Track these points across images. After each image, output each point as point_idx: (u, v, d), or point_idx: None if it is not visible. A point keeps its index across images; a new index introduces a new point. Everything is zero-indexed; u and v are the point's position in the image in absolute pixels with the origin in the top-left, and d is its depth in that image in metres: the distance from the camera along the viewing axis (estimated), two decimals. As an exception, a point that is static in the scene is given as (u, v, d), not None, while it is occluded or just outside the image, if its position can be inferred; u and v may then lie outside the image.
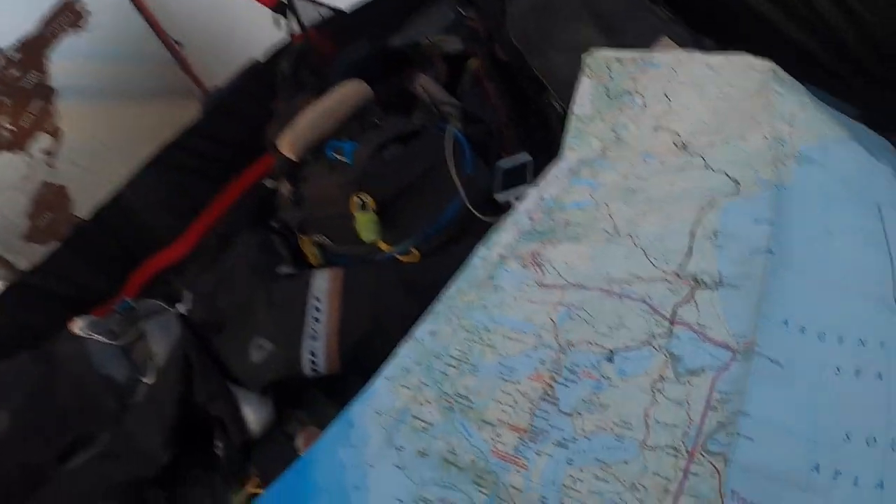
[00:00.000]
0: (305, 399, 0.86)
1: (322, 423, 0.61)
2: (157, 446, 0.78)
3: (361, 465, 0.56)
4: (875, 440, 0.46)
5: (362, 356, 0.77)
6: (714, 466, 0.46)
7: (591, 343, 0.55)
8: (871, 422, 0.46)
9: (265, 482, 0.75)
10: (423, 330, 0.65)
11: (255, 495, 0.74)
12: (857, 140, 0.62)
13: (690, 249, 0.57)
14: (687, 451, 0.47)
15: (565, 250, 0.64)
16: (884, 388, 0.47)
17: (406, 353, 0.64)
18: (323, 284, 0.85)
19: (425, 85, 1.11)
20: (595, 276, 0.60)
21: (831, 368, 0.48)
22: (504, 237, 0.71)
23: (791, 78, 0.66)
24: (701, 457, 0.47)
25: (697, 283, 0.55)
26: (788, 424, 0.46)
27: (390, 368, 0.63)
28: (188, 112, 1.21)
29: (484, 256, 0.70)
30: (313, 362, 0.80)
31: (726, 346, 0.51)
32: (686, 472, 0.47)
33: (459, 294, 0.66)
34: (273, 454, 0.80)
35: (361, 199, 0.85)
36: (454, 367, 0.59)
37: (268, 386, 0.83)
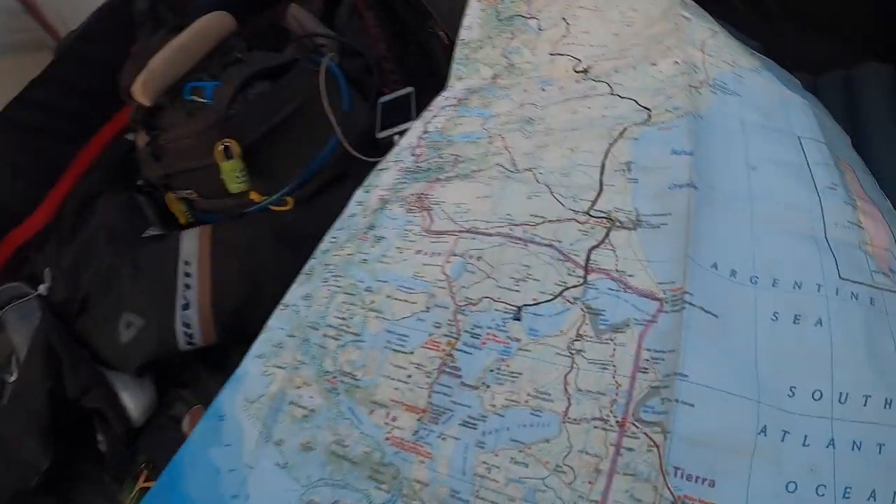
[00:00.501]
0: (188, 376, 0.75)
1: (209, 401, 0.50)
2: (33, 451, 0.66)
3: (238, 468, 0.45)
4: (821, 394, 0.40)
5: (242, 321, 0.67)
6: (650, 439, 0.39)
7: (493, 300, 0.46)
8: (814, 373, 0.41)
9: (155, 474, 0.63)
10: (295, 294, 0.55)
11: (146, 489, 0.63)
12: (769, 70, 0.57)
13: (601, 185, 0.49)
14: (617, 423, 0.40)
15: (456, 190, 0.54)
16: (825, 336, 0.42)
17: (277, 325, 0.53)
18: (192, 245, 0.75)
19: (297, 16, 1.00)
20: (493, 219, 0.51)
21: (768, 315, 0.42)
22: (385, 178, 0.61)
23: (696, 4, 0.60)
24: (634, 428, 0.39)
25: (612, 222, 0.47)
26: (729, 384, 0.40)
27: (260, 345, 0.52)
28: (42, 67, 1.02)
29: (362, 202, 0.60)
30: (188, 334, 0.70)
31: (651, 296, 0.43)
32: (618, 447, 0.39)
33: (335, 248, 0.55)
34: (160, 442, 0.69)
35: (225, 145, 0.75)
36: (334, 338, 0.49)
37: (144, 367, 0.72)
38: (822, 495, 0.38)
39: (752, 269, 0.44)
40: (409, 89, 0.85)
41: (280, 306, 0.55)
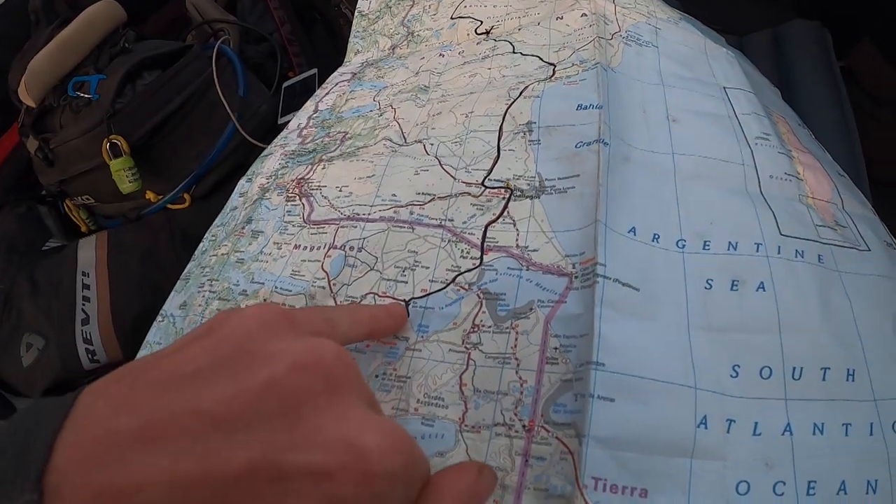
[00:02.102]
0: None
1: None
2: None
3: None
4: (770, 370, 0.33)
5: (146, 331, 0.60)
6: (563, 444, 0.31)
7: (378, 296, 0.39)
8: (760, 347, 0.34)
9: None
10: (172, 303, 0.48)
11: None
12: (689, 22, 0.51)
13: (499, 150, 0.42)
14: (524, 427, 0.32)
15: (338, 172, 0.47)
16: (770, 301, 0.35)
17: (154, 339, 0.46)
18: (89, 255, 0.71)
19: (195, 3, 0.95)
20: (376, 201, 0.43)
21: (700, 284, 0.35)
22: (267, 164, 0.53)
23: None
24: (545, 432, 0.32)
25: (511, 192, 0.40)
26: (657, 370, 0.32)
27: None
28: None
29: (245, 192, 0.52)
30: (90, 351, 0.65)
31: (558, 272, 0.36)
32: (527, 456, 0.32)
33: (213, 247, 0.48)
34: None
35: (112, 143, 0.70)
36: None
37: (51, 390, 0.67)
38: (782, 494, 0.31)
39: (677, 231, 0.37)
40: (313, 71, 0.80)
41: (158, 317, 0.48)
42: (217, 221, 0.53)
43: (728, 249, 0.37)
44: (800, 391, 0.33)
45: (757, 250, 0.36)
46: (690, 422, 0.31)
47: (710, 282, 0.35)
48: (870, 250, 0.39)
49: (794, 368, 0.33)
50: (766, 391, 0.33)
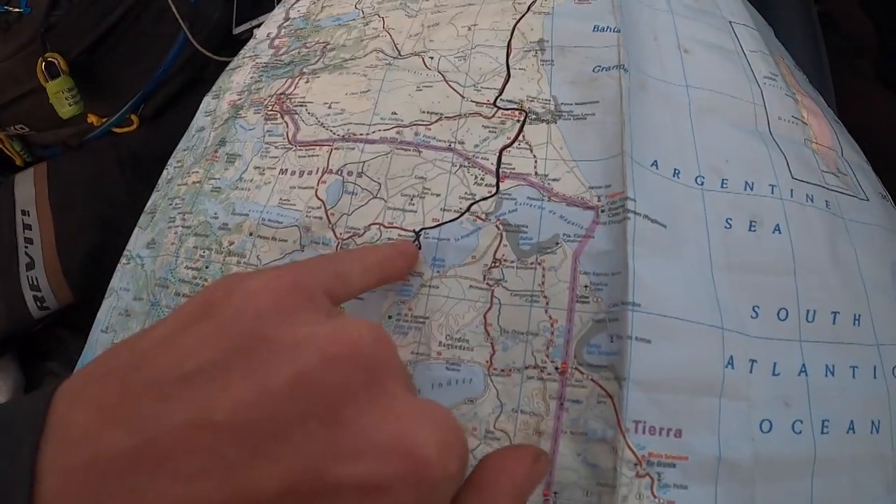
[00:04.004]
0: (52, 345, 0.66)
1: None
2: None
3: None
4: (787, 312, 0.34)
5: (98, 271, 0.55)
6: (600, 387, 0.30)
7: (383, 226, 0.36)
8: (778, 290, 0.34)
9: None
10: (138, 241, 0.43)
11: None
12: None
13: (508, 69, 0.39)
14: (557, 370, 0.31)
15: (325, 86, 0.42)
16: (786, 244, 0.35)
17: (121, 285, 0.42)
18: (27, 191, 0.65)
19: None
20: (375, 120, 0.39)
21: (721, 222, 0.35)
22: (237, 78, 0.48)
23: None
24: (579, 374, 0.31)
25: (526, 114, 0.37)
26: (689, 310, 0.32)
27: (104, 313, 0.41)
28: None
29: (212, 111, 0.47)
30: (38, 298, 0.61)
31: (584, 204, 0.34)
32: (562, 400, 0.31)
33: (180, 175, 0.43)
34: None
35: (48, 61, 0.63)
36: (188, 296, 0.38)
37: (1, 346, 0.63)
38: (800, 432, 0.32)
39: (695, 167, 0.36)
40: None
41: (123, 259, 0.43)
42: (181, 145, 0.47)
43: (745, 189, 0.36)
44: (813, 333, 0.34)
45: (772, 192, 0.36)
46: (719, 362, 0.31)
47: (729, 221, 0.35)
48: (868, 200, 0.40)
49: (807, 311, 0.34)
50: (784, 332, 0.33)
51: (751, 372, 0.32)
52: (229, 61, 0.53)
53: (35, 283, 0.61)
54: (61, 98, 0.64)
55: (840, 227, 0.37)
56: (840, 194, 0.38)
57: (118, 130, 0.71)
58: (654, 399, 0.30)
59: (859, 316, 0.35)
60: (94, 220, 0.64)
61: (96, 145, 0.70)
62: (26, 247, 0.62)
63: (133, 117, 0.70)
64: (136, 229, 0.44)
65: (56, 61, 0.64)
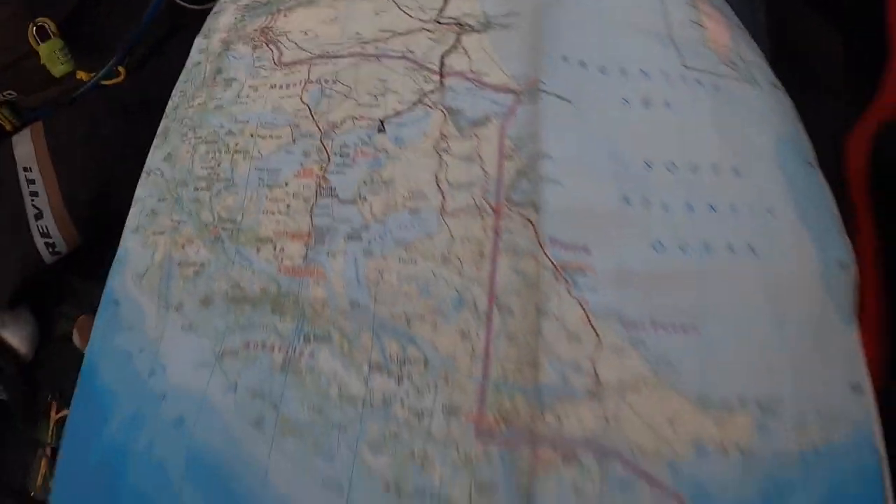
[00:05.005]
0: (62, 291, 0.70)
1: (91, 307, 0.48)
2: None
3: (147, 345, 0.44)
4: (675, 165, 0.43)
5: (102, 212, 0.63)
6: (525, 217, 0.41)
7: (356, 118, 0.46)
8: (666, 149, 0.44)
9: (65, 401, 0.61)
10: (155, 158, 0.52)
11: (62, 420, 0.60)
12: None
13: (446, -7, 0.50)
14: (492, 208, 0.42)
15: (300, 18, 0.52)
16: (673, 116, 0.44)
17: (145, 194, 0.51)
18: (27, 149, 0.67)
19: None
20: (343, 40, 0.50)
21: (619, 100, 0.44)
22: (223, 20, 0.57)
23: None
24: (508, 210, 0.42)
25: (462, 27, 0.48)
26: (590, 161, 0.42)
27: (133, 218, 0.50)
28: None
29: (204, 48, 0.56)
30: (50, 244, 0.64)
31: (507, 90, 0.45)
32: (497, 230, 0.41)
33: (185, 101, 0.53)
34: (58, 367, 0.66)
35: (39, 26, 0.66)
36: (205, 189, 0.47)
37: (17, 296, 0.66)
38: (686, 252, 0.41)
39: (600, 60, 0.46)
40: None
41: (143, 176, 0.52)
42: (182, 79, 0.56)
43: (641, 76, 0.45)
44: (697, 180, 0.43)
45: (665, 78, 0.45)
46: (618, 199, 0.41)
47: (626, 100, 0.44)
48: (760, 86, 0.47)
49: (692, 164, 0.43)
50: (672, 180, 0.43)
51: (645, 208, 0.42)
52: (206, 9, 0.62)
53: (45, 231, 0.64)
54: (54, 58, 0.68)
55: (727, 102, 0.45)
56: (731, 80, 0.46)
57: (107, 83, 0.73)
58: (565, 223, 0.40)
59: (739, 169, 0.43)
60: (94, 166, 0.66)
61: (87, 99, 0.72)
62: (33, 200, 0.64)
63: (121, 69, 0.72)
64: (151, 150, 0.53)
65: (46, 25, 0.66)
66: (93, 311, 0.48)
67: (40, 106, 0.76)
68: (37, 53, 0.68)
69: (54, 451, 0.62)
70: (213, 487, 0.39)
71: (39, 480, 0.63)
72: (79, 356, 0.47)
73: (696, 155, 0.44)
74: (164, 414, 0.42)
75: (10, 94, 0.74)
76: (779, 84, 0.49)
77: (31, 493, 0.63)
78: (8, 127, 0.76)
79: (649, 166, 0.43)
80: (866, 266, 0.43)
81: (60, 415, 0.63)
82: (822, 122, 0.48)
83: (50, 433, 0.63)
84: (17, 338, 0.66)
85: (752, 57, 0.51)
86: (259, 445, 0.39)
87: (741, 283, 0.41)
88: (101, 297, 0.48)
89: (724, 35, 0.50)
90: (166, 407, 0.42)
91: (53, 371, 0.66)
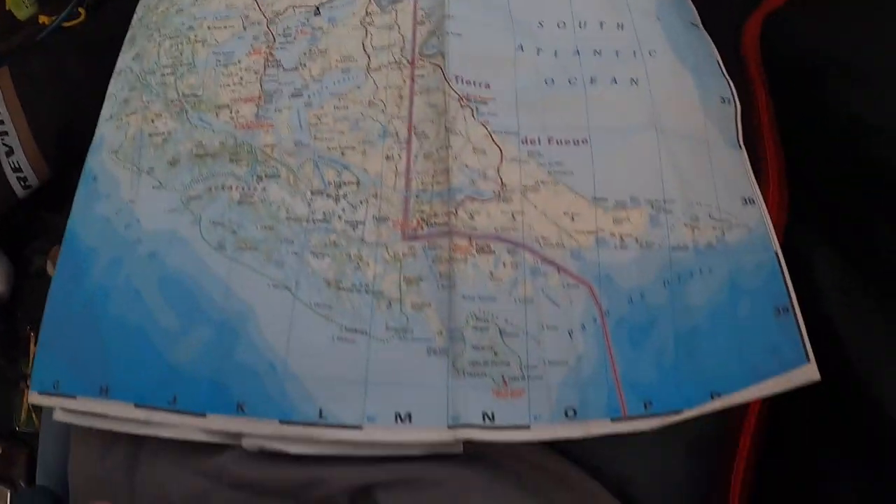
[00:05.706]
0: (35, 226, 0.73)
1: (62, 240, 0.51)
2: None
3: (123, 207, 0.50)
4: (564, 23, 0.52)
5: (70, 143, 0.65)
6: (434, 64, 0.49)
7: (295, 7, 0.54)
8: (557, 11, 0.52)
9: None
10: (124, 60, 0.58)
11: None
12: None
13: None
14: (408, 61, 0.50)
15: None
16: None
17: (116, 89, 0.57)
18: None
19: None
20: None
21: None
22: None
23: None
24: (421, 61, 0.50)
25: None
26: (488, 19, 0.51)
27: (107, 108, 0.56)
28: None
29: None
30: (21, 178, 0.67)
31: (420, -25, 0.53)
32: (412, 76, 0.50)
33: (149, 11, 0.60)
34: (36, 302, 0.63)
35: None
36: (171, 73, 0.54)
37: None
38: (575, 84, 0.49)
39: None
40: None
41: (113, 76, 0.58)
42: (142, 2, 0.62)
43: None
44: (585, 34, 0.51)
45: None
46: (512, 46, 0.50)
47: None
48: None
49: (580, 21, 0.52)
50: (563, 34, 0.51)
51: (537, 54, 0.50)
52: None
53: (17, 166, 0.66)
54: (19, 3, 0.72)
55: None
56: None
57: (68, 24, 0.75)
58: (467, 64, 0.49)
59: (623, 24, 0.52)
60: (60, 103, 0.67)
61: (50, 41, 0.74)
62: (3, 138, 0.66)
63: (81, 10, 0.75)
64: (120, 55, 0.59)
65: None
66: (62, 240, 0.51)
67: (5, 52, 0.78)
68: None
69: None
70: (182, 301, 0.46)
71: (23, 415, 0.66)
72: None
73: (584, 15, 0.52)
74: (138, 253, 0.48)
75: None
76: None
77: (17, 428, 0.67)
78: None
79: (541, 25, 0.52)
80: (763, 123, 0.50)
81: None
82: (725, 14, 0.54)
83: (31, 367, 0.62)
84: (-6, 279, 0.68)
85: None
86: (221, 263, 0.46)
87: (624, 104, 0.48)
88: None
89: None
90: (141, 248, 0.48)
91: (31, 306, 0.68)
